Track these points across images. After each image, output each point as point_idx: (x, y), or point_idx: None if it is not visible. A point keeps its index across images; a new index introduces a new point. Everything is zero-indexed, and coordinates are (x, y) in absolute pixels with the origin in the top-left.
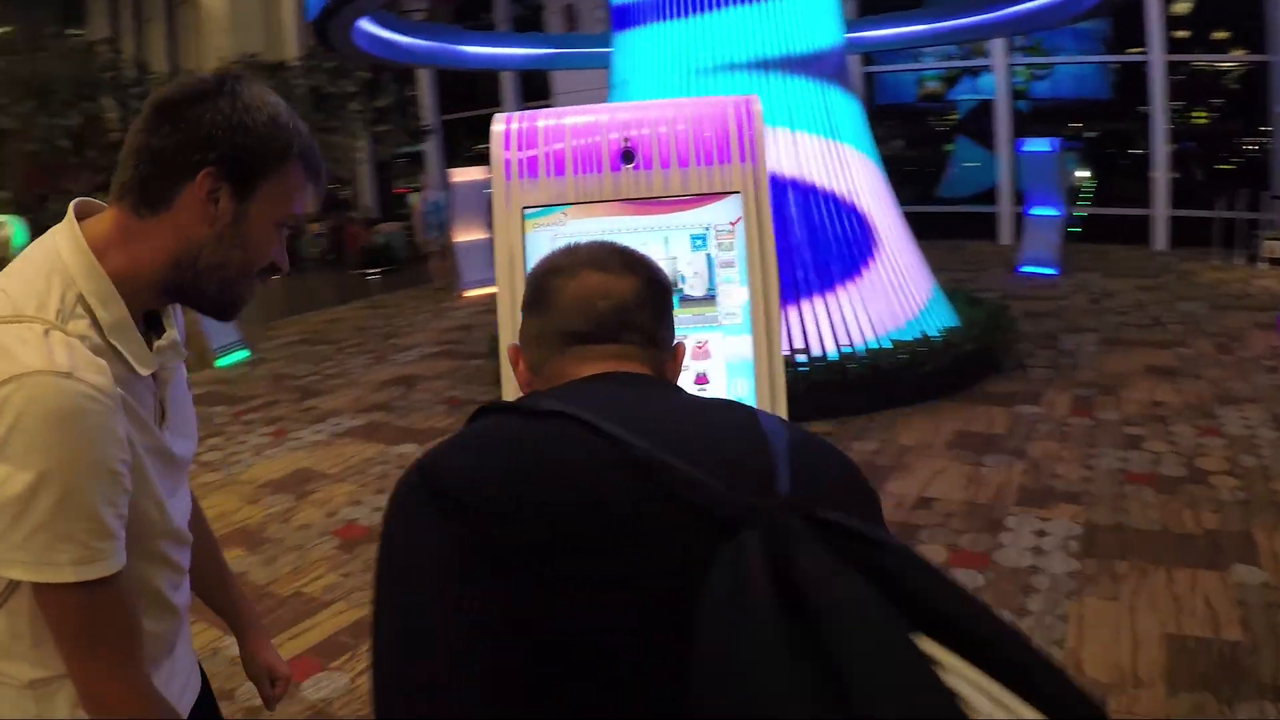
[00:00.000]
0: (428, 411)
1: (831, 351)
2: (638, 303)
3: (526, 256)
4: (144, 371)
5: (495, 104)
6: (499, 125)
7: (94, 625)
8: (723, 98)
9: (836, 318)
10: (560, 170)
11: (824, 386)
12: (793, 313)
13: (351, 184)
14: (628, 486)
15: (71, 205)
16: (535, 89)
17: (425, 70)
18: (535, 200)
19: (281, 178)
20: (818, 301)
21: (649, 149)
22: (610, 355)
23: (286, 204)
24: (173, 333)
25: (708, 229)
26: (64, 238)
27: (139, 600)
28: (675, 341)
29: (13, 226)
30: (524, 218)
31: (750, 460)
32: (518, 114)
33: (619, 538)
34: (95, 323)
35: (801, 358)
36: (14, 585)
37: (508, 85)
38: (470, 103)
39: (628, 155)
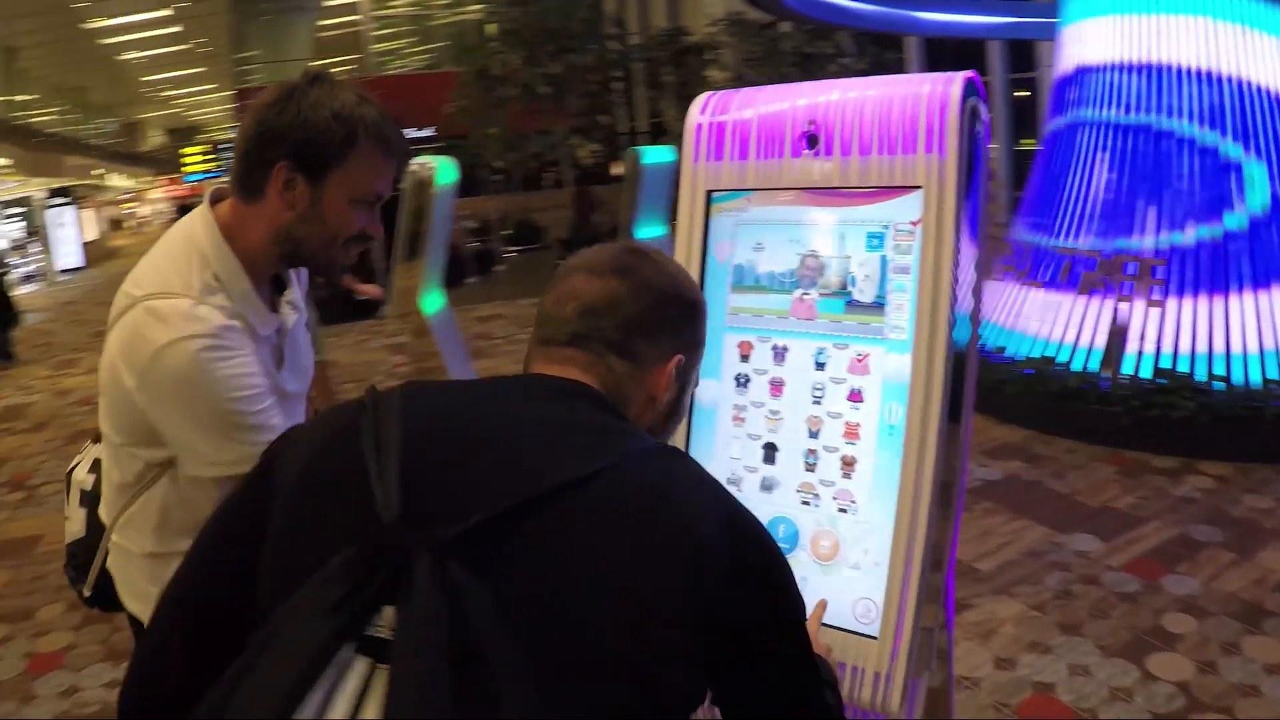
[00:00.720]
0: None
1: (1254, 374)
2: (607, 308)
3: (709, 243)
4: (264, 331)
5: (982, 73)
6: (697, 103)
7: None
8: (923, 75)
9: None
10: (744, 153)
11: (1231, 421)
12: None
13: None
14: (342, 473)
15: (207, 193)
16: (1024, 59)
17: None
18: (718, 184)
19: (350, 163)
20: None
21: (832, 132)
22: (554, 359)
23: (360, 184)
24: (291, 292)
25: (886, 228)
26: (201, 224)
27: None
28: (673, 357)
29: (439, 166)
30: (710, 202)
31: (464, 488)
32: (720, 92)
33: (314, 512)
34: (227, 295)
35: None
36: (155, 476)
37: (994, 55)
38: (960, 68)
39: (812, 139)
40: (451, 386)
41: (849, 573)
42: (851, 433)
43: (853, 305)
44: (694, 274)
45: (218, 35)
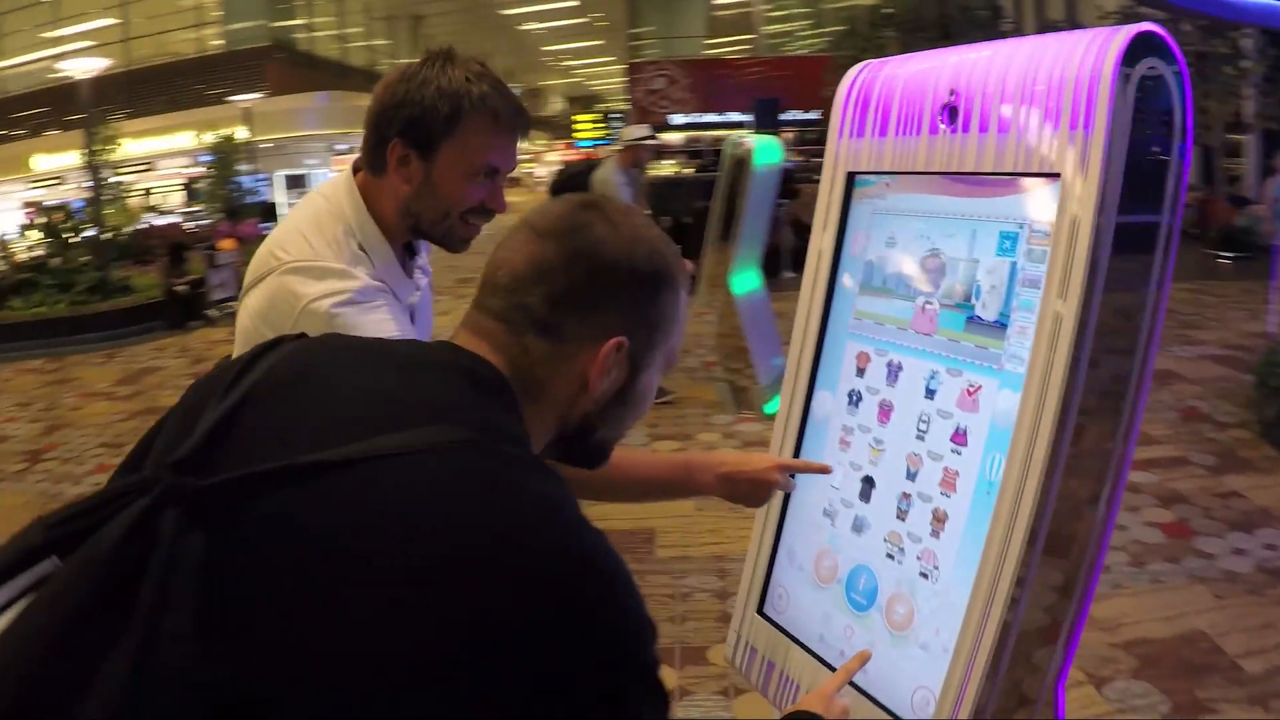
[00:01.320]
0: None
1: None
2: (533, 278)
3: (845, 232)
4: (404, 297)
5: None
6: (851, 71)
7: None
8: (1081, 33)
9: None
10: (884, 129)
11: None
12: None
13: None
14: (187, 407)
15: (349, 164)
16: None
17: None
18: (858, 165)
19: (459, 137)
20: None
21: (973, 103)
22: (473, 329)
23: (474, 156)
24: (421, 257)
25: (1021, 227)
26: (346, 194)
27: None
28: (611, 340)
29: (758, 146)
30: (853, 185)
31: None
32: (878, 60)
33: (148, 438)
34: (371, 262)
35: None
36: None
37: None
38: None
39: (952, 112)
40: (352, 344)
41: (916, 652)
42: (948, 482)
43: (974, 322)
44: (825, 269)
45: (615, 10)
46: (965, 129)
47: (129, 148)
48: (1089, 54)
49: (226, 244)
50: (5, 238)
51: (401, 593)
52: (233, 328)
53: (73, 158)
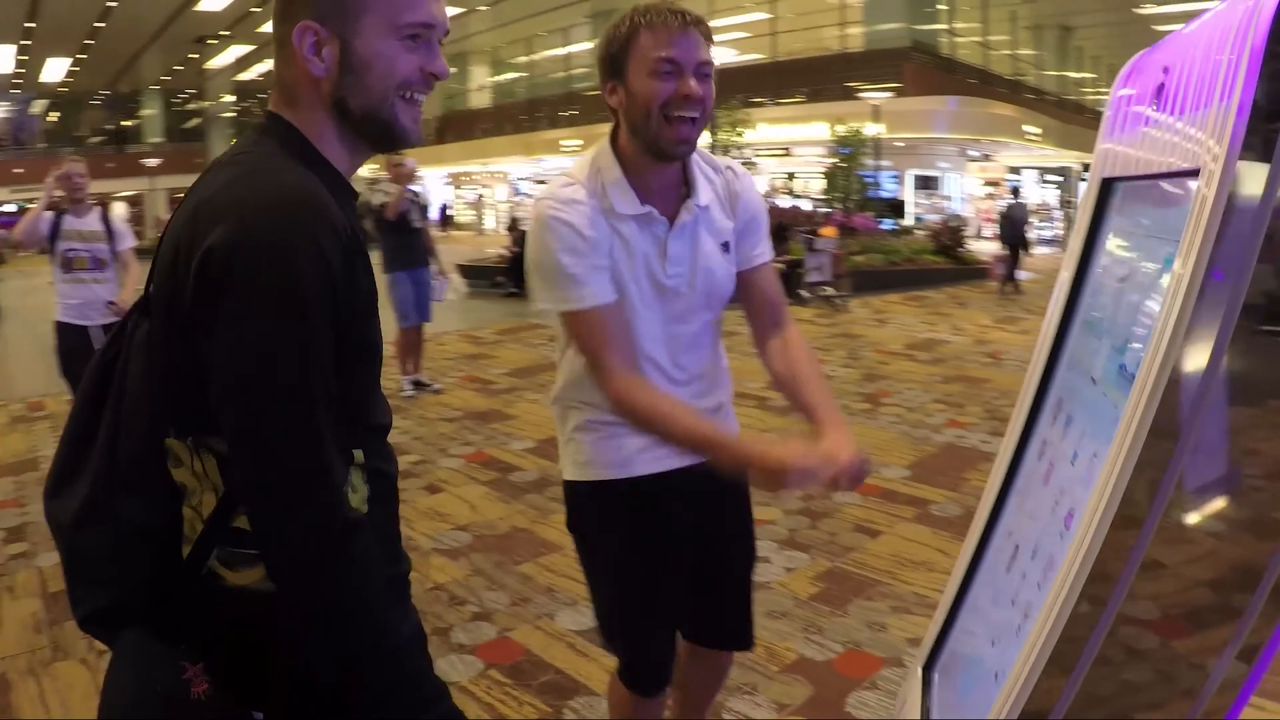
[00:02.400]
0: None
1: None
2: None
3: (1094, 248)
4: (625, 210)
5: None
6: (1125, 67)
7: (584, 342)
8: None
9: None
10: (1133, 124)
11: None
12: None
13: None
14: None
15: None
16: None
17: None
18: (1113, 169)
19: (635, 53)
20: None
21: (1174, 81)
22: None
23: (648, 61)
24: (700, 196)
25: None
26: (605, 144)
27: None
28: (297, 28)
29: None
30: (1107, 193)
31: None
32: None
33: None
34: (601, 181)
35: None
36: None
37: None
38: None
39: (1159, 90)
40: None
41: None
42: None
43: (1124, 371)
44: (1064, 293)
45: None
46: (1166, 108)
47: (767, 132)
48: (1242, 25)
49: (827, 230)
50: None
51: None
52: (823, 309)
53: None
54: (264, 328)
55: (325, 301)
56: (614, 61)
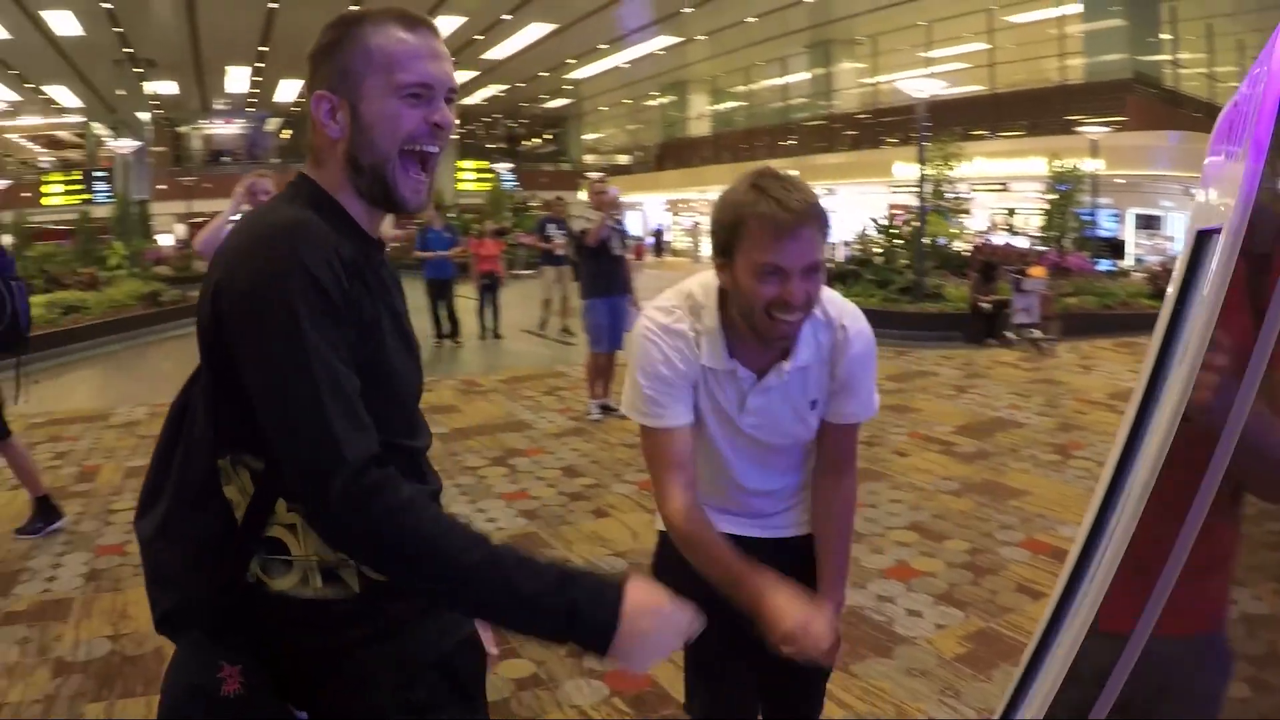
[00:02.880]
0: None
1: None
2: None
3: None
4: (712, 365)
5: None
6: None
7: (650, 456)
8: None
9: None
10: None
11: None
12: None
13: None
14: None
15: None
16: None
17: None
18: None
19: (743, 244)
20: None
21: (1240, 116)
22: None
23: (756, 258)
24: (786, 365)
25: None
26: (713, 282)
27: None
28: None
29: None
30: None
31: None
32: None
33: None
34: (699, 325)
35: None
36: None
37: None
38: None
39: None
40: None
41: None
42: None
43: None
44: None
45: None
46: (1234, 143)
47: (984, 166)
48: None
49: (1036, 271)
50: (865, 232)
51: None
52: (1027, 353)
53: (916, 169)
54: (268, 353)
55: (325, 320)
56: (723, 243)
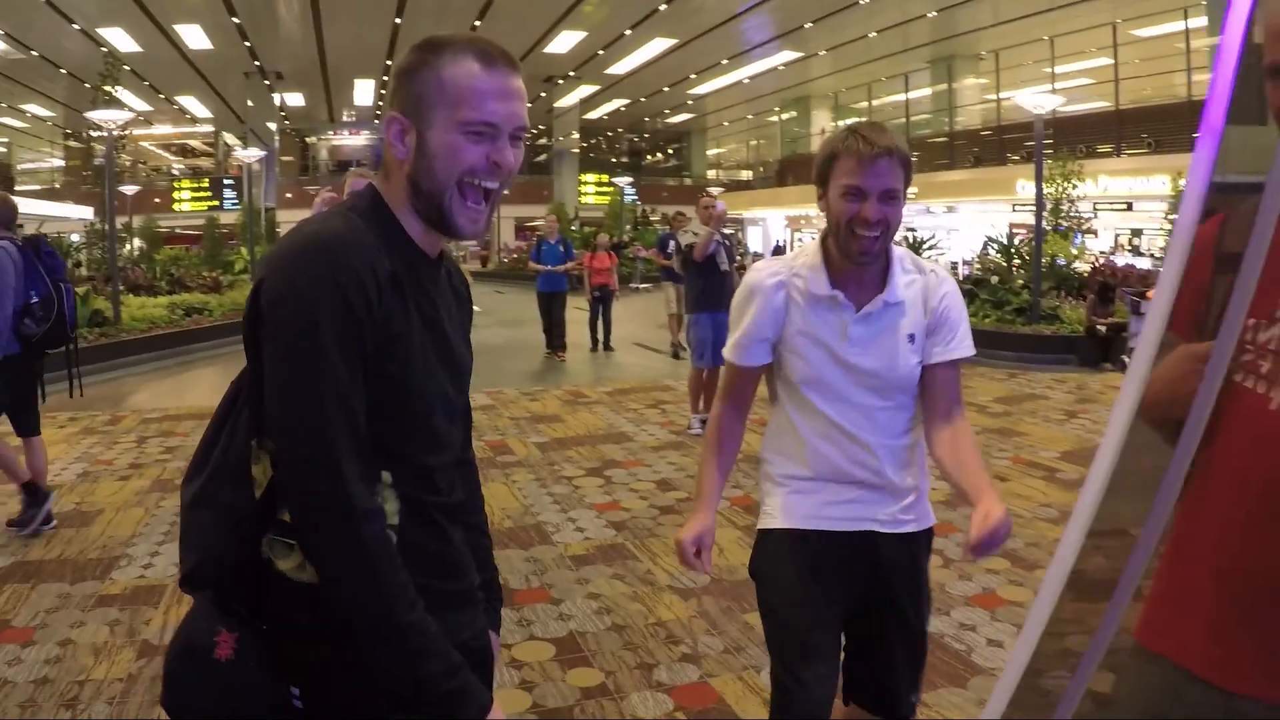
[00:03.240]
0: None
1: None
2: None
3: None
4: (816, 290)
5: None
6: None
7: (723, 387)
8: None
9: None
10: None
11: None
12: None
13: None
14: None
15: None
16: None
17: None
18: None
19: (834, 174)
20: None
21: None
22: None
23: (840, 180)
24: (883, 296)
25: None
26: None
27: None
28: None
29: None
30: None
31: None
32: None
33: None
34: (806, 263)
35: None
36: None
37: None
38: None
39: None
40: None
41: None
42: None
43: None
44: None
45: None
46: None
47: (1108, 185)
48: None
49: (1152, 294)
50: (985, 251)
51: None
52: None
53: (1031, 188)
54: (286, 357)
55: (347, 335)
56: (821, 175)
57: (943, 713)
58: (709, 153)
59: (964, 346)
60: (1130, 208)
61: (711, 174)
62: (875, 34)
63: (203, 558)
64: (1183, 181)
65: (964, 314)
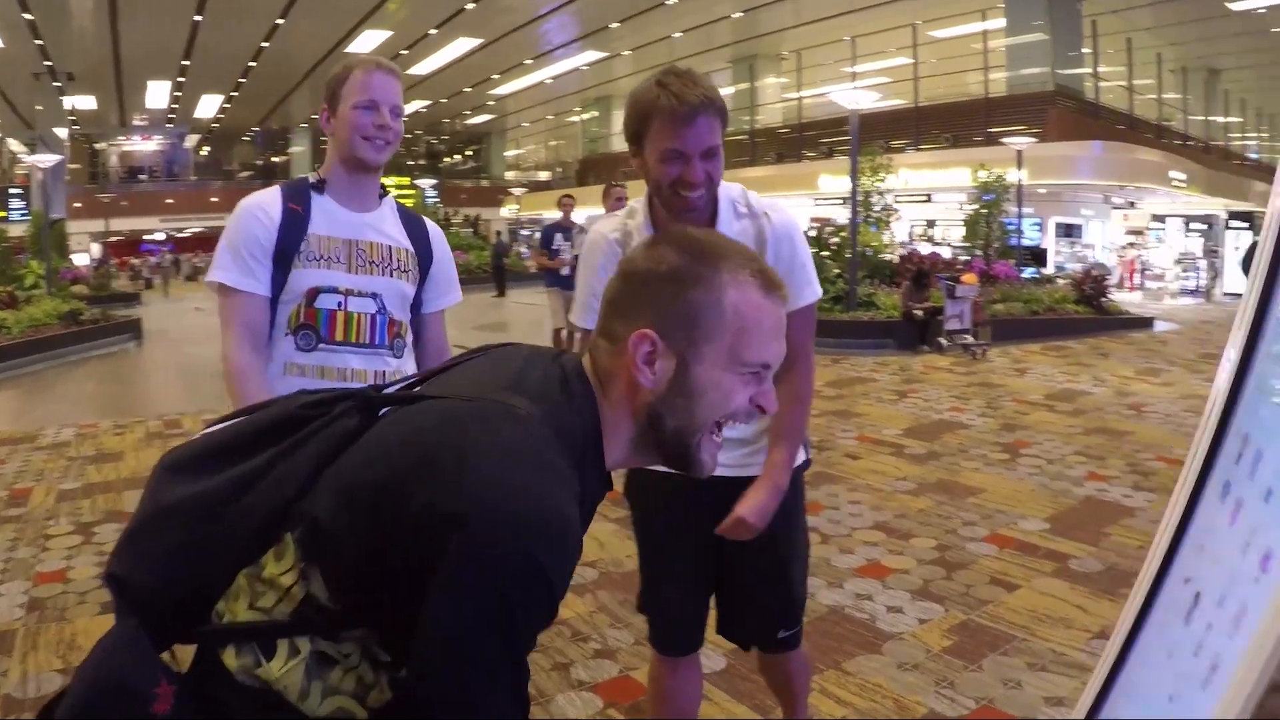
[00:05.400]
0: None
1: None
2: (605, 300)
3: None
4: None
5: None
6: None
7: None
8: None
9: None
10: None
11: None
12: None
13: None
14: None
15: None
16: None
17: None
18: None
19: (650, 133)
20: None
21: None
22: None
23: (660, 145)
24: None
25: None
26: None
27: None
28: (634, 333)
29: None
30: None
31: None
32: None
33: None
34: (633, 220)
35: None
36: None
37: None
38: None
39: None
40: (522, 348)
41: None
42: None
43: None
44: (1248, 324)
45: None
46: None
47: (909, 178)
48: None
49: (968, 278)
50: None
51: (357, 482)
52: (960, 358)
53: (843, 182)
54: (465, 625)
55: (539, 620)
56: (634, 133)
57: (868, 679)
58: (508, 154)
59: (809, 288)
60: (929, 199)
61: (511, 175)
62: (680, 34)
63: (152, 579)
64: (983, 173)
65: (806, 255)
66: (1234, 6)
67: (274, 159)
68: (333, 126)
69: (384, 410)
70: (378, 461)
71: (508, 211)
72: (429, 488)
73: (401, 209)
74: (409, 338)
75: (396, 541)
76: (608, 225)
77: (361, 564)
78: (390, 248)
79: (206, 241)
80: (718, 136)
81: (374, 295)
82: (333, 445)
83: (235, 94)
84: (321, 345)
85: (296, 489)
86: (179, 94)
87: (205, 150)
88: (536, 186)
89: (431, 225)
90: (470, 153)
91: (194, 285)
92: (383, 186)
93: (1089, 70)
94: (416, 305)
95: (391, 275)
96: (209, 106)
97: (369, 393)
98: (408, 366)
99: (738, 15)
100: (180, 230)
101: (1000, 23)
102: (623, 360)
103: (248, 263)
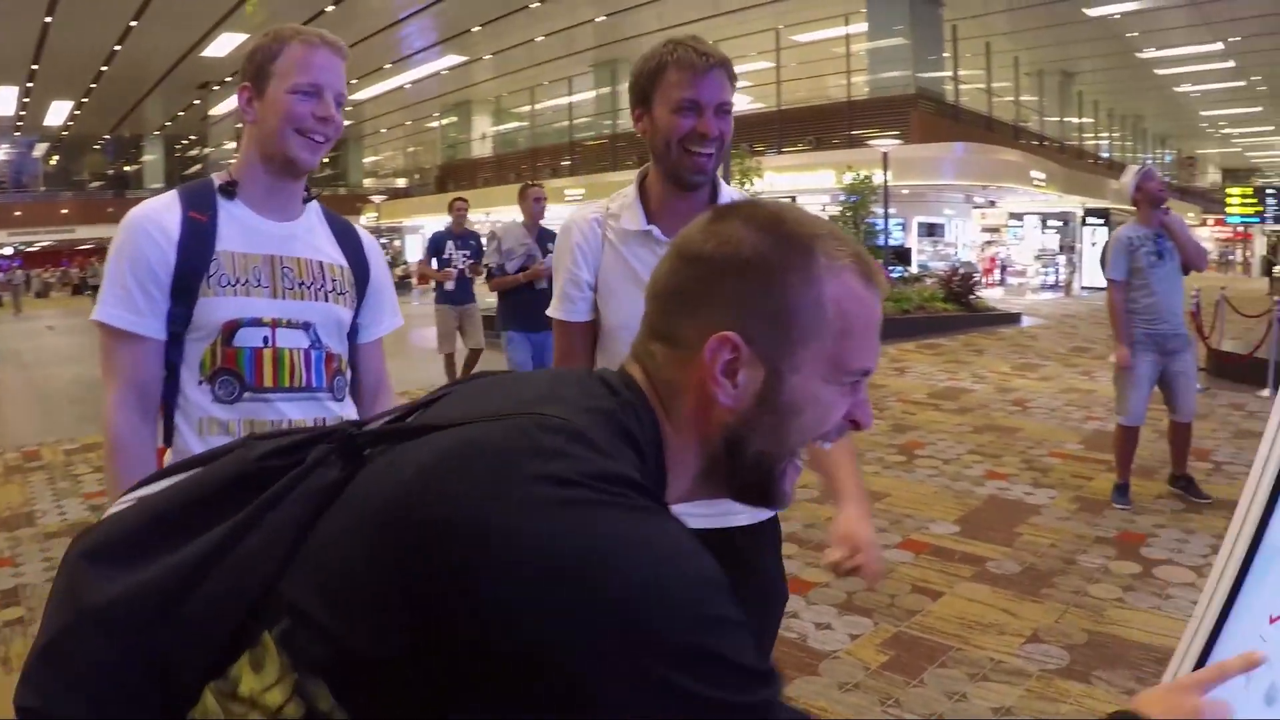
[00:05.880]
0: None
1: None
2: (663, 289)
3: None
4: (632, 227)
5: None
6: None
7: (560, 352)
8: None
9: None
10: None
11: None
12: None
13: None
14: None
15: None
16: None
17: None
18: None
19: (662, 86)
20: None
21: None
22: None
23: (674, 95)
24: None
25: None
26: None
27: None
28: (712, 333)
29: None
30: None
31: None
32: None
33: None
34: (619, 201)
35: None
36: None
37: None
38: None
39: None
40: (537, 373)
41: None
42: None
43: None
44: None
45: (1273, 74)
46: None
47: (774, 180)
48: None
49: None
50: None
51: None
52: None
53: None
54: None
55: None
56: (642, 91)
57: (811, 703)
58: (365, 160)
59: None
60: (794, 200)
61: (369, 182)
62: (541, 38)
63: (78, 711)
64: (849, 175)
65: None
66: (1089, 12)
67: (126, 168)
68: (256, 112)
69: (368, 451)
70: (386, 523)
71: (367, 220)
72: (492, 564)
73: (329, 214)
74: (349, 374)
75: (439, 640)
76: (587, 207)
77: (382, 670)
78: (322, 264)
79: (57, 255)
80: (731, 95)
81: (306, 325)
82: (313, 507)
83: (86, 100)
84: (247, 394)
85: (273, 568)
86: (27, 100)
87: (55, 160)
88: (395, 194)
89: (364, 233)
90: (326, 159)
91: (45, 302)
92: (307, 188)
93: (949, 74)
94: (352, 333)
95: (326, 299)
96: (59, 113)
97: (349, 429)
98: (348, 411)
99: (600, 19)
100: (29, 245)
101: (862, 27)
102: (693, 371)
103: (134, 296)
